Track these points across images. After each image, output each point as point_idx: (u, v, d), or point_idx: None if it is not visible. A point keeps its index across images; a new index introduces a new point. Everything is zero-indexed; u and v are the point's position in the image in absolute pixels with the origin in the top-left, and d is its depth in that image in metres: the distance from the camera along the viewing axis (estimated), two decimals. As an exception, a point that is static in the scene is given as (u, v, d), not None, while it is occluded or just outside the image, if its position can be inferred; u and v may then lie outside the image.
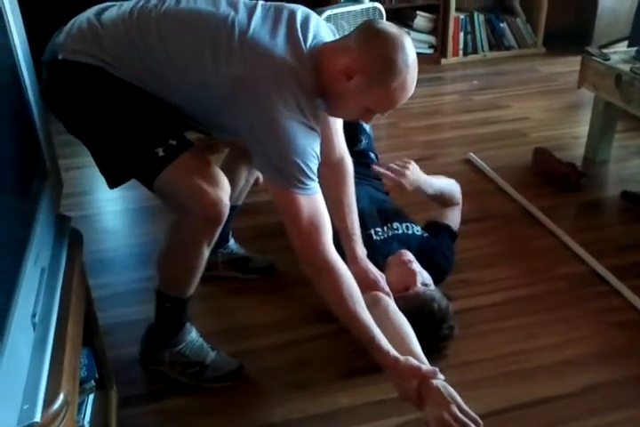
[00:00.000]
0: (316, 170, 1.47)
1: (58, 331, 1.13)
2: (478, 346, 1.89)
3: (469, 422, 1.38)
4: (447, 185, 2.29)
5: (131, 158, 1.54)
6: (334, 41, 1.53)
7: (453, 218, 2.25)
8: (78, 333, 1.27)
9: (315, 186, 1.48)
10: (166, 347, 1.77)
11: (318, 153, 1.48)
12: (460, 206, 2.29)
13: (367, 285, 1.81)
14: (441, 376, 1.47)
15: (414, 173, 2.13)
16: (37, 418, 0.93)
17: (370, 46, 1.43)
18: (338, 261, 1.53)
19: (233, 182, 1.84)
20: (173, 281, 1.71)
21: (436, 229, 2.20)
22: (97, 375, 1.51)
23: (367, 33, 1.46)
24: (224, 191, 1.55)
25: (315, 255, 1.51)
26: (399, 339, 1.63)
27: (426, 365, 1.54)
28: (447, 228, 2.21)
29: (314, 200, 1.49)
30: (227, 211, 1.56)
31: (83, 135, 1.57)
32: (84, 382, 1.44)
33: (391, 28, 1.45)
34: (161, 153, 1.50)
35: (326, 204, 1.72)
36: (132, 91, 1.51)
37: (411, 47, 1.45)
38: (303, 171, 1.44)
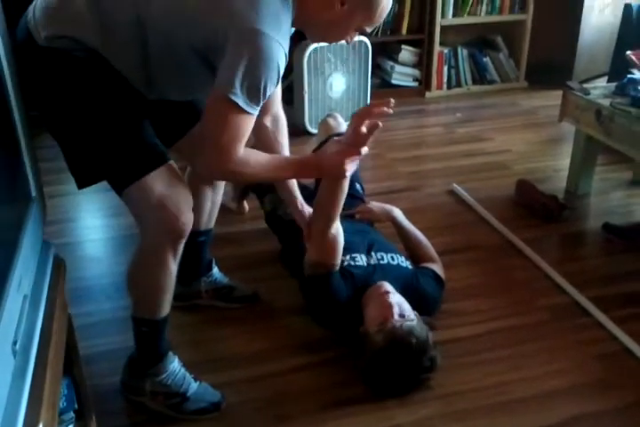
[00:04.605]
0: (264, 100, 1.49)
1: (38, 359, 1.12)
2: (463, 377, 1.89)
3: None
4: (422, 235, 2.34)
5: (111, 163, 1.55)
6: None
7: (439, 269, 2.21)
8: (59, 362, 1.26)
9: (255, 112, 1.49)
10: (148, 376, 1.74)
11: (279, 80, 1.49)
12: (441, 265, 2.24)
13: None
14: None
15: (373, 204, 2.42)
16: (15, 448, 0.91)
17: None
18: (246, 151, 1.54)
19: (200, 205, 1.85)
20: (144, 302, 1.70)
21: (423, 268, 2.19)
22: (76, 406, 1.49)
23: None
24: (188, 205, 1.59)
25: (227, 165, 1.52)
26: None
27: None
28: (432, 271, 2.18)
29: (248, 119, 1.49)
30: (189, 224, 1.59)
31: (60, 131, 1.56)
32: (63, 413, 1.42)
33: None
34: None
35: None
36: (121, 95, 1.53)
37: None
38: (259, 90, 1.44)
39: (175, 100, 1.74)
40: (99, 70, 1.50)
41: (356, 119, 1.73)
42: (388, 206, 2.42)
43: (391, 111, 1.69)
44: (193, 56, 1.49)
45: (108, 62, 1.50)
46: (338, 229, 2.00)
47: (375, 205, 2.43)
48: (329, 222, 1.96)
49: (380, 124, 1.69)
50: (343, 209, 2.39)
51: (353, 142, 1.73)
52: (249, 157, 1.56)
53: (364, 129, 1.71)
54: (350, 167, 1.76)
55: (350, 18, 1.54)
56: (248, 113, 1.46)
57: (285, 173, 1.72)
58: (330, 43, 1.80)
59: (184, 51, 1.49)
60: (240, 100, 1.43)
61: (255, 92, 1.44)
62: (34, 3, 1.54)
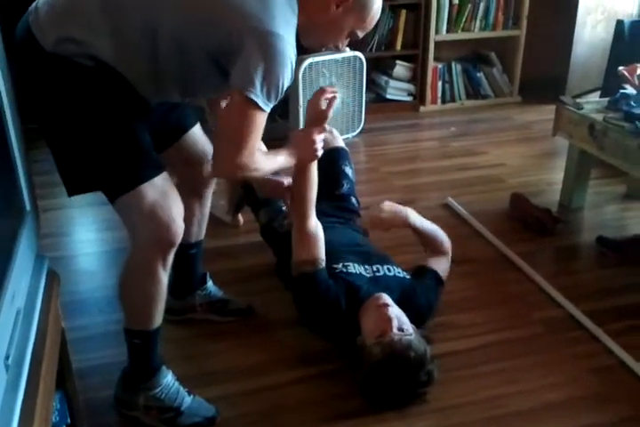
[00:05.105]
0: (280, 97, 1.55)
1: (31, 373, 1.11)
2: (458, 391, 1.88)
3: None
4: (438, 229, 2.28)
5: (107, 171, 1.55)
6: None
7: (441, 266, 2.21)
8: (52, 376, 1.25)
9: (269, 110, 1.54)
10: (141, 390, 1.73)
11: (293, 77, 1.55)
12: (450, 257, 2.25)
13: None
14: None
15: (378, 207, 2.21)
16: (6, 464, 0.91)
17: None
18: (259, 151, 1.63)
19: (188, 218, 1.85)
20: (135, 312, 1.70)
21: (423, 273, 2.18)
22: (69, 420, 1.48)
23: None
24: (179, 214, 1.60)
25: (249, 164, 1.58)
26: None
27: None
28: (434, 273, 2.18)
29: (265, 117, 1.55)
30: (180, 232, 1.60)
31: (57, 137, 1.56)
32: (55, 428, 1.40)
33: None
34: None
35: None
36: (124, 103, 1.54)
37: None
38: (277, 88, 1.50)
39: (167, 108, 1.76)
40: (103, 78, 1.51)
41: (312, 100, 1.92)
42: (400, 209, 2.23)
43: (337, 92, 1.92)
44: (205, 60, 1.52)
45: (113, 70, 1.50)
46: (317, 223, 2.03)
47: (386, 210, 2.21)
48: (306, 214, 2.00)
49: (337, 95, 1.89)
50: (349, 220, 2.38)
51: (316, 119, 1.89)
52: (261, 153, 1.65)
53: (323, 105, 1.88)
54: (320, 146, 1.87)
55: (344, 20, 1.62)
56: (265, 111, 1.52)
57: (279, 164, 1.79)
58: (323, 47, 1.84)
59: (196, 55, 1.51)
60: (259, 99, 1.48)
61: (274, 90, 1.49)
62: (35, 2, 1.54)
